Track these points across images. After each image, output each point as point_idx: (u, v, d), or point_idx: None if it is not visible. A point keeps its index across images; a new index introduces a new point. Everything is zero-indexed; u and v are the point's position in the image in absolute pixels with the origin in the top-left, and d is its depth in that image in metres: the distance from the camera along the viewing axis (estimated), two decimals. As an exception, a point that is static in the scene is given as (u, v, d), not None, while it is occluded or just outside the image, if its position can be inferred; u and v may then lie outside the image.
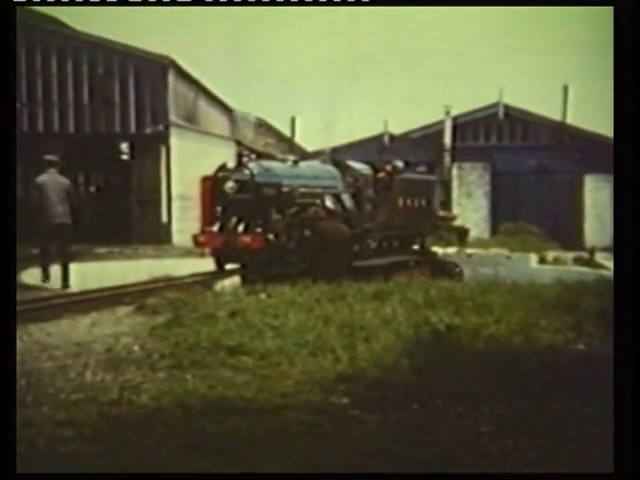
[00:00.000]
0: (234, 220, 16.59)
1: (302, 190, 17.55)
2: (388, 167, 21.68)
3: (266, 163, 17.86)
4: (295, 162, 18.94)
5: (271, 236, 16.41)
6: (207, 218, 16.93)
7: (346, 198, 19.44)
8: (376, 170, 21.17)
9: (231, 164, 16.77)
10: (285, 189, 17.06)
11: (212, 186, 16.78)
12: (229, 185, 16.51)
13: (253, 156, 17.69)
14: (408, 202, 22.40)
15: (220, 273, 16.89)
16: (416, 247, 23.61)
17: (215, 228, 16.67)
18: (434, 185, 25.53)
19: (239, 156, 17.02)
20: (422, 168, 27.08)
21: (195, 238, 17.11)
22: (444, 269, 22.10)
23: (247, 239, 16.15)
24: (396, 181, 21.78)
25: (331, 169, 20.07)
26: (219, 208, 16.80)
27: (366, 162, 21.66)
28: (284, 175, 17.53)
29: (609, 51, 6.41)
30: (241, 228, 16.54)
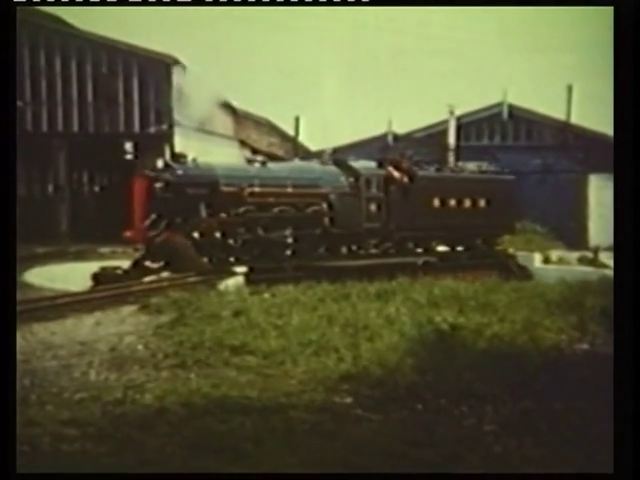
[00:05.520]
0: (153, 217, 16.94)
1: (256, 190, 17.70)
2: (404, 164, 21.40)
3: (206, 163, 18.01)
4: (263, 163, 19.21)
5: (196, 234, 16.73)
6: (138, 215, 17.17)
7: (334, 198, 19.33)
8: (397, 167, 20.93)
9: (161, 164, 17.13)
10: (225, 189, 17.30)
11: (145, 185, 17.09)
12: (157, 185, 16.93)
13: (193, 156, 17.92)
14: (452, 203, 21.93)
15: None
16: (482, 249, 22.98)
17: (144, 225, 16.96)
18: (498, 184, 24.00)
19: (173, 156, 17.40)
20: (485, 166, 25.62)
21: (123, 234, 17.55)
22: (513, 273, 21.27)
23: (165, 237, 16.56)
24: (429, 180, 21.41)
25: (317, 169, 19.94)
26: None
27: (377, 160, 21.41)
28: (228, 175, 17.74)
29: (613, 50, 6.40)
30: (163, 226, 16.89)
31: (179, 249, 16.38)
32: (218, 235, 17.18)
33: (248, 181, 17.81)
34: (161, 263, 16.47)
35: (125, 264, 16.88)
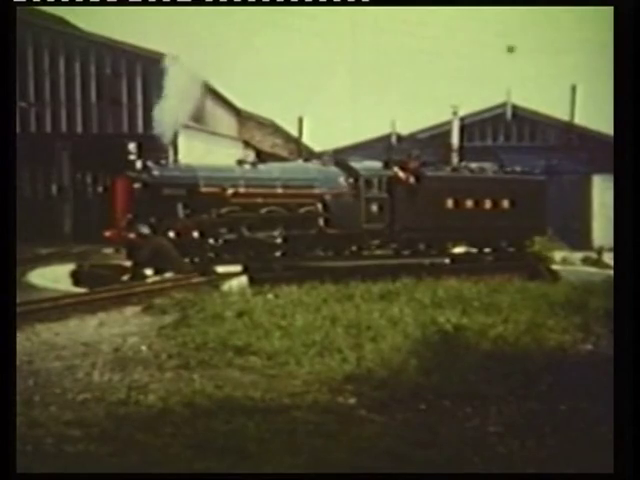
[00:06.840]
0: (129, 217, 17.05)
1: (241, 190, 17.78)
2: (412, 164, 21.19)
3: (187, 164, 18.08)
4: (253, 164, 19.43)
5: (172, 234, 16.88)
6: (119, 216, 17.25)
7: (330, 199, 19.27)
8: (403, 168, 20.73)
9: (139, 165, 17.21)
10: (205, 189, 17.38)
11: (126, 185, 17.17)
12: (135, 185, 17.03)
13: (173, 158, 18.12)
14: (468, 203, 21.44)
15: None
16: (510, 250, 22.27)
17: (121, 225, 17.09)
18: (524, 185, 23.28)
19: (152, 157, 17.59)
20: (510, 167, 24.86)
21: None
22: (542, 276, 20.37)
23: (134, 236, 16.76)
24: (439, 181, 21.13)
25: (312, 170, 19.86)
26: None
27: (384, 161, 21.24)
28: (209, 177, 17.77)
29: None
30: (140, 225, 17.00)
31: (161, 249, 16.51)
32: (196, 235, 17.25)
33: (232, 182, 17.84)
34: (140, 261, 16.60)
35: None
